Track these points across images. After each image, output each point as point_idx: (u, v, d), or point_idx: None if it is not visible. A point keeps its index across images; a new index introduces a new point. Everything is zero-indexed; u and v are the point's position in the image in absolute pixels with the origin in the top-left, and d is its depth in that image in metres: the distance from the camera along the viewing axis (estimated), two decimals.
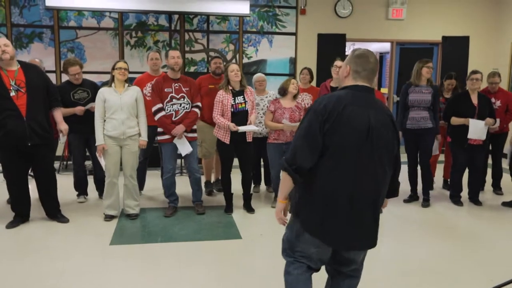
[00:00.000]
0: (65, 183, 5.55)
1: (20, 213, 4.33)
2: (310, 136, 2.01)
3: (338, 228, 2.05)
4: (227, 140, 4.59)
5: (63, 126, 4.33)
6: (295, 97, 4.82)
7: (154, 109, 4.50)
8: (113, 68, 4.36)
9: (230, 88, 4.62)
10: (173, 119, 4.52)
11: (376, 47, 10.09)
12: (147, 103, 4.90)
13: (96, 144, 4.37)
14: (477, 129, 4.91)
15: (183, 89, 4.54)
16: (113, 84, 4.36)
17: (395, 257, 3.72)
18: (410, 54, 8.13)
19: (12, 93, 3.97)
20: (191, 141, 4.62)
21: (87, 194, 5.27)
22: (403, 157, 5.07)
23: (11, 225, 4.23)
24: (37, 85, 4.11)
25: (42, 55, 6.89)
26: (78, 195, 5.19)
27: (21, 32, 7.04)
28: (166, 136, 4.54)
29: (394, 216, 4.76)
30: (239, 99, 4.61)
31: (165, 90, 4.50)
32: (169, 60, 4.50)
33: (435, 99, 5.01)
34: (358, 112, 2.00)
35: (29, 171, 4.46)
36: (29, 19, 7.03)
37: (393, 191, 2.27)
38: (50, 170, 4.39)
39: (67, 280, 3.18)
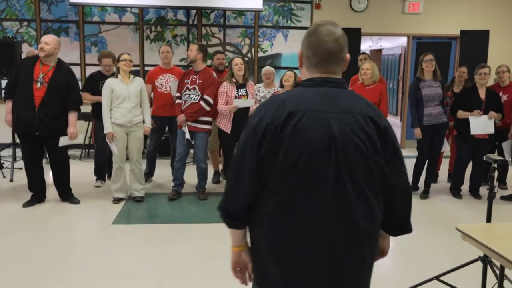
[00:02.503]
0: (85, 169, 5.95)
1: (36, 194, 4.72)
2: (239, 173, 1.46)
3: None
4: (228, 130, 4.83)
5: (71, 129, 4.55)
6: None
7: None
8: (118, 60, 4.66)
9: (234, 80, 4.87)
10: (182, 108, 4.81)
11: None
12: (159, 95, 5.23)
13: (105, 131, 4.69)
14: (480, 124, 4.92)
15: (198, 81, 4.80)
16: (119, 76, 4.67)
17: None
18: (427, 48, 7.94)
19: (38, 85, 4.39)
20: (199, 131, 4.85)
21: (105, 180, 5.63)
22: (413, 151, 5.17)
23: (27, 204, 4.63)
24: (58, 83, 4.45)
25: (68, 49, 7.32)
26: (97, 180, 5.55)
27: (49, 27, 7.49)
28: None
29: None
30: (242, 91, 4.86)
31: (185, 81, 4.85)
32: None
33: (443, 92, 5.10)
34: (311, 119, 1.38)
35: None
36: (56, 15, 7.48)
37: (399, 226, 1.60)
38: (60, 157, 4.70)
39: (67, 254, 3.53)
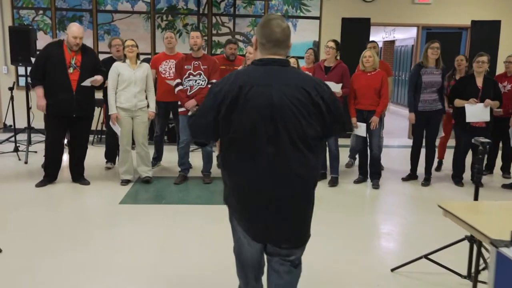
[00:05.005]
0: (97, 154, 6.15)
1: (50, 174, 4.91)
2: (201, 121, 1.97)
3: (248, 216, 1.97)
4: None
5: (97, 77, 4.74)
6: None
7: (173, 83, 5.01)
8: (123, 47, 4.84)
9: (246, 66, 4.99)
10: (188, 93, 4.94)
11: None
12: (162, 80, 5.36)
13: (109, 113, 4.87)
14: (476, 112, 4.96)
15: (202, 66, 4.93)
16: (127, 61, 4.83)
17: (371, 226, 3.99)
18: (437, 39, 7.98)
19: (70, 70, 4.63)
20: None
21: (115, 163, 5.81)
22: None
23: (40, 184, 4.83)
24: (88, 65, 4.75)
25: None
26: (107, 162, 5.75)
27: (63, 15, 7.69)
28: (183, 109, 4.99)
29: (390, 192, 4.96)
30: None
31: (185, 67, 4.95)
32: (190, 40, 4.96)
33: (443, 81, 5.16)
34: (258, 90, 1.84)
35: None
36: (71, 3, 7.66)
37: (337, 128, 2.03)
38: (84, 140, 5.00)
39: (76, 229, 3.72)
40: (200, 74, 4.92)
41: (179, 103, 5.05)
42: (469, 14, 8.05)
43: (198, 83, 4.92)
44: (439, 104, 5.12)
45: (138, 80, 4.79)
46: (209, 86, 4.86)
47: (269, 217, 1.92)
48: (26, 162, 5.79)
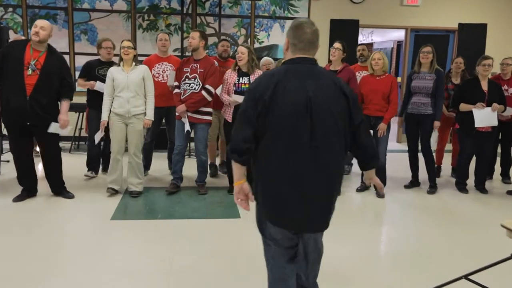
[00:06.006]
0: (76, 162, 5.70)
1: (26, 188, 4.44)
2: (244, 118, 2.00)
3: (286, 210, 2.00)
4: (229, 118, 4.64)
5: (63, 117, 4.27)
6: None
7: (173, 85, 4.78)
8: (120, 47, 4.46)
9: (237, 68, 4.68)
10: (181, 97, 4.60)
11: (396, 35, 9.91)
12: (155, 84, 4.97)
13: (101, 120, 4.51)
14: (484, 117, 4.81)
15: (198, 70, 4.58)
16: (121, 63, 4.45)
17: (389, 240, 3.74)
18: (425, 41, 7.86)
19: (29, 72, 4.09)
20: (199, 123, 4.64)
21: (97, 172, 5.37)
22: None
23: (18, 199, 4.35)
24: (51, 71, 4.18)
25: (56, 37, 6.98)
26: (88, 170, 5.28)
27: (36, 13, 7.15)
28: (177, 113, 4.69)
29: (396, 201, 4.74)
30: (244, 79, 4.64)
31: (184, 69, 4.63)
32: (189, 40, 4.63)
33: (438, 86, 4.91)
34: (293, 86, 1.96)
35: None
36: (44, 1, 7.13)
37: (368, 160, 2.22)
38: (52, 149, 4.44)
39: (65, 251, 3.29)
40: (195, 78, 4.57)
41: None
42: (456, 17, 8.00)
43: (192, 87, 4.58)
44: (429, 108, 4.90)
45: (131, 84, 4.40)
46: (202, 91, 4.55)
47: (308, 208, 1.99)
48: None
